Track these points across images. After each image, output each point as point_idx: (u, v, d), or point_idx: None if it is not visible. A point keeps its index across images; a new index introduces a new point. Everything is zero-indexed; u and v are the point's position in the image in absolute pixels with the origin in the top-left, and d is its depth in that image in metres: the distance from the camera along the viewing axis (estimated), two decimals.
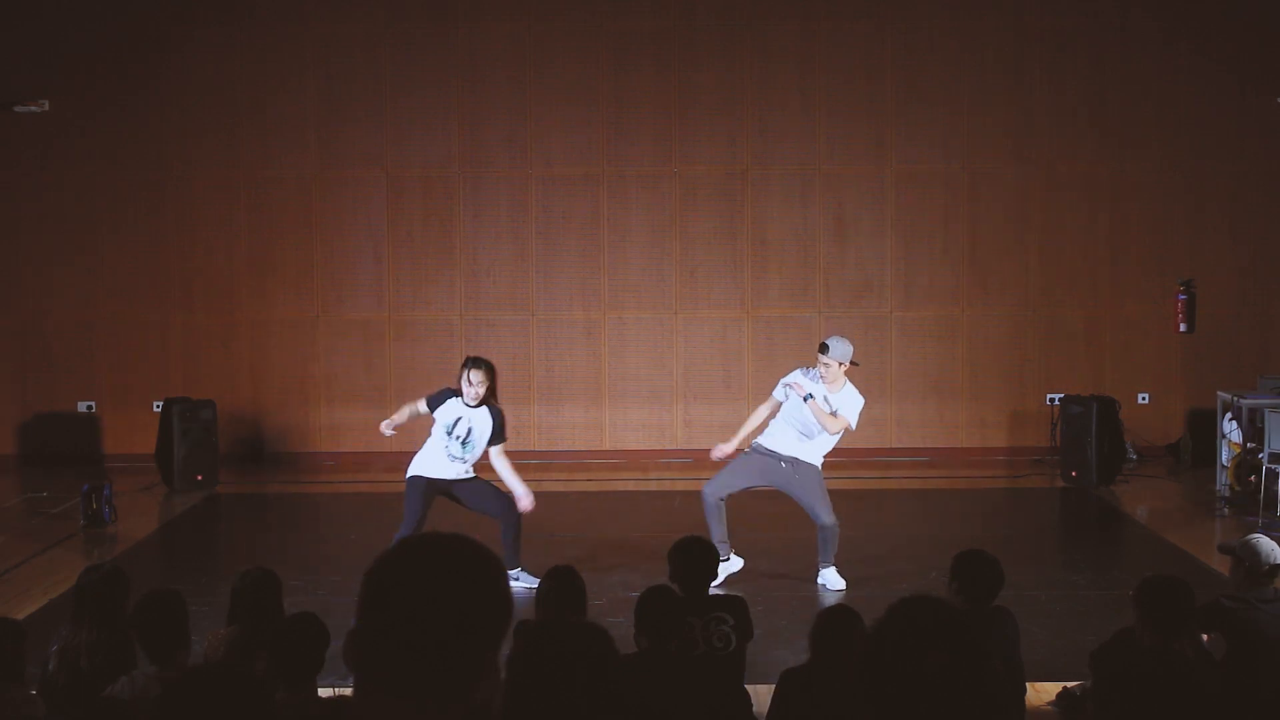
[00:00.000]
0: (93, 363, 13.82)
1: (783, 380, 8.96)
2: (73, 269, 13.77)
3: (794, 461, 8.80)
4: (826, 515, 8.77)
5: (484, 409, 8.76)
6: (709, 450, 9.33)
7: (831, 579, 8.86)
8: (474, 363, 8.79)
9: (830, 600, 8.48)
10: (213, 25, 13.67)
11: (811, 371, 8.90)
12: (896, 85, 13.77)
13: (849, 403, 8.83)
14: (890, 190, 13.83)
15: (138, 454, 13.23)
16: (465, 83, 13.75)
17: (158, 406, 13.02)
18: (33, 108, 13.30)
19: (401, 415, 8.93)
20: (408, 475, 8.85)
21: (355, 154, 13.79)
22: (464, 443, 8.74)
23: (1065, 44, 13.78)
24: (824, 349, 8.79)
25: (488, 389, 8.74)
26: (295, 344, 13.87)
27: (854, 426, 8.88)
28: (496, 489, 8.94)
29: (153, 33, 13.66)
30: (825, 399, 8.79)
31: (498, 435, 8.81)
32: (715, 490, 8.89)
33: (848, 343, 8.88)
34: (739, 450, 9.05)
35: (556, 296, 13.86)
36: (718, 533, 8.78)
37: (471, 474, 8.90)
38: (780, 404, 8.96)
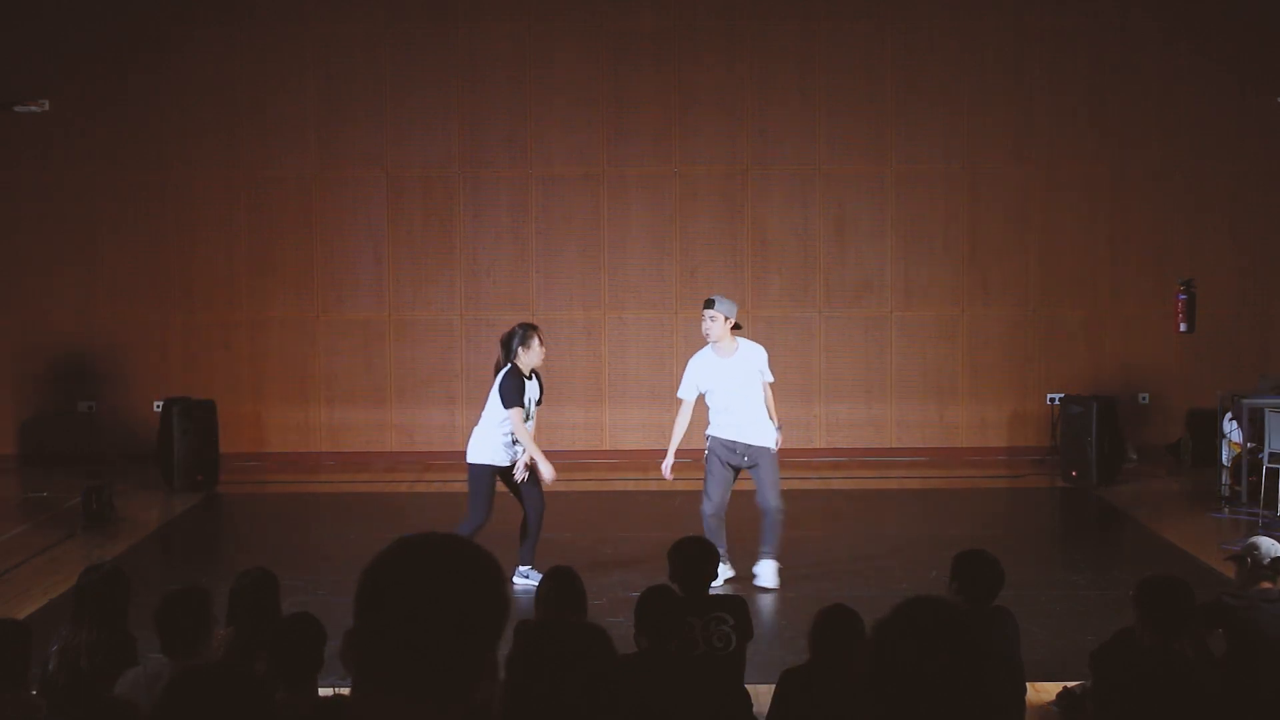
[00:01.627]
0: (93, 363, 13.82)
1: (695, 385, 9.03)
2: (73, 269, 13.77)
3: (749, 449, 8.88)
4: (775, 499, 8.84)
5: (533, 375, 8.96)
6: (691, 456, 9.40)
7: (768, 574, 8.81)
8: (533, 327, 8.97)
9: (763, 595, 8.54)
10: (213, 25, 13.67)
11: (705, 349, 8.98)
12: (896, 85, 13.76)
13: (759, 356, 8.92)
14: (890, 190, 13.82)
15: (138, 454, 13.23)
16: (465, 83, 13.75)
17: (158, 406, 13.02)
18: (33, 108, 13.29)
19: (534, 449, 8.73)
20: (474, 462, 8.81)
21: (355, 154, 13.78)
22: (530, 414, 8.89)
23: (1065, 44, 13.77)
24: (710, 304, 8.90)
25: None
26: (295, 344, 13.86)
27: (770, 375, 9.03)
28: (539, 480, 8.93)
29: (153, 33, 13.66)
30: (762, 369, 8.92)
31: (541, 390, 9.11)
32: (712, 509, 8.92)
33: (731, 302, 9.01)
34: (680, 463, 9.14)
35: (556, 296, 13.85)
36: (719, 546, 8.80)
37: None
38: (693, 400, 9.06)
